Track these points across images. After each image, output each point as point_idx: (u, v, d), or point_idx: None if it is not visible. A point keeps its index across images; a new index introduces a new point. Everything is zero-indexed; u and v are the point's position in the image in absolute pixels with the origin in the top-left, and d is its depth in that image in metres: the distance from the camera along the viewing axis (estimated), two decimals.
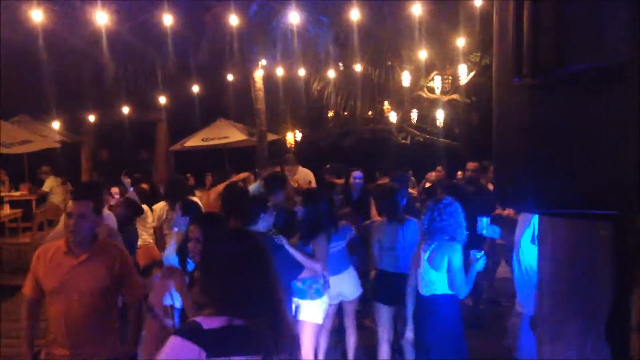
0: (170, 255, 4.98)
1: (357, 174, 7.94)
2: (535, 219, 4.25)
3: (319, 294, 5.07)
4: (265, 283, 2.32)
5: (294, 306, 5.08)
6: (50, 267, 3.76)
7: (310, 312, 5.07)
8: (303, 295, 5.06)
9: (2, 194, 13.39)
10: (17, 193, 14.30)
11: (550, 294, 2.25)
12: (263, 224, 4.77)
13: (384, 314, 5.57)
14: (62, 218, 4.27)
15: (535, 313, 2.41)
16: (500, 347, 5.08)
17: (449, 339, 4.46)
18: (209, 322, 2.19)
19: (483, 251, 4.55)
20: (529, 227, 4.41)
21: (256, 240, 2.46)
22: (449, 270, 4.42)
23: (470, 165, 7.82)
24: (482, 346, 5.69)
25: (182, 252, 5.00)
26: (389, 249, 5.54)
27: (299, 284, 5.03)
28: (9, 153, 13.34)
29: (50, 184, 13.36)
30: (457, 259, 4.41)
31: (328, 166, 9.39)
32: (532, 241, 4.35)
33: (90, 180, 6.27)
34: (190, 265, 4.33)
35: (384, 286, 5.55)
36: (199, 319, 2.21)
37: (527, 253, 4.44)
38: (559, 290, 2.23)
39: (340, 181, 8.13)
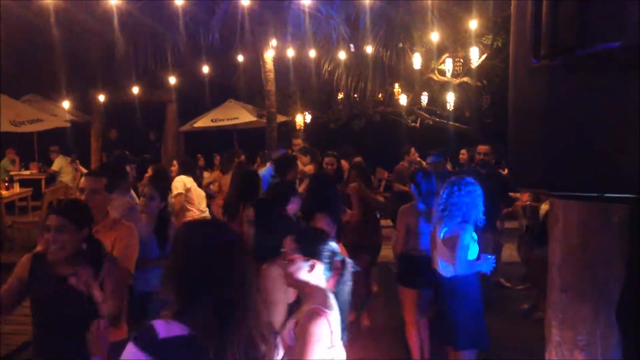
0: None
1: (328, 159, 8.04)
2: None
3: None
4: (232, 285, 2.09)
5: None
6: None
7: None
8: None
9: (12, 173, 13.47)
10: (27, 172, 14.39)
11: (560, 277, 2.24)
12: (292, 207, 4.77)
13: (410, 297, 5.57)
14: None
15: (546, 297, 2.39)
16: (510, 328, 5.09)
17: (469, 319, 4.47)
18: (166, 328, 2.01)
19: (494, 257, 4.54)
20: None
21: (232, 237, 2.24)
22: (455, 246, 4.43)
23: (482, 148, 7.76)
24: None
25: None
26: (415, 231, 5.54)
27: None
28: (19, 132, 13.39)
29: (59, 163, 13.42)
30: (465, 237, 4.42)
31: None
32: None
33: (111, 161, 6.03)
34: None
35: (409, 269, 5.56)
36: (156, 323, 2.02)
37: None
38: (569, 274, 2.22)
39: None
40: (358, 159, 9.56)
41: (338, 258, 2.92)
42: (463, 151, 10.97)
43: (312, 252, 2.85)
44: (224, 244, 2.16)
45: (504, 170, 8.49)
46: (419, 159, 10.47)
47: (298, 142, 9.90)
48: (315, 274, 2.84)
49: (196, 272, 2.08)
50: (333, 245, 2.95)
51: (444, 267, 4.58)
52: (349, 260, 2.98)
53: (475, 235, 4.51)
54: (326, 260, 2.87)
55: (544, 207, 6.04)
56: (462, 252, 4.41)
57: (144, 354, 1.96)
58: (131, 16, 9.71)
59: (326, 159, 8.50)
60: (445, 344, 4.77)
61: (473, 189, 4.49)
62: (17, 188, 12.52)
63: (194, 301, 2.04)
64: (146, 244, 4.95)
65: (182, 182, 7.27)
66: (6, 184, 12.10)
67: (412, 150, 10.19)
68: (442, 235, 4.59)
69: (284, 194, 4.83)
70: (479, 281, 4.57)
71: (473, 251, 4.48)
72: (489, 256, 4.51)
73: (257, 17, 10.06)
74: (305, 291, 2.85)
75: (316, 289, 2.85)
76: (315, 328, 2.69)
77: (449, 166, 10.10)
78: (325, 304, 2.79)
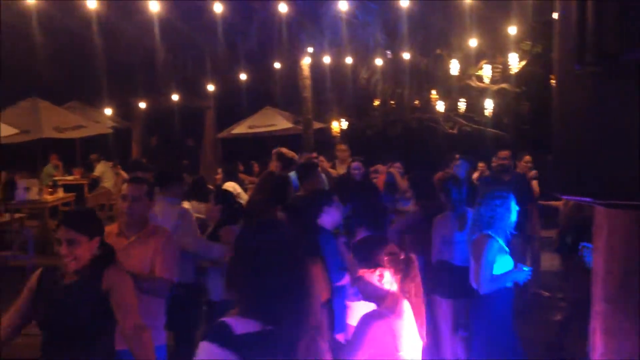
0: None
1: (355, 164, 7.80)
2: None
3: None
4: (297, 283, 2.12)
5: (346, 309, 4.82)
6: None
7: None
8: (353, 297, 4.81)
9: (56, 178, 13.79)
10: (70, 177, 14.73)
11: (604, 287, 2.21)
12: (327, 219, 4.57)
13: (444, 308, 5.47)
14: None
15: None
16: (540, 336, 4.98)
17: (498, 334, 4.38)
18: (241, 325, 2.02)
19: (531, 269, 4.42)
20: None
21: (290, 235, 2.26)
22: (479, 262, 4.36)
23: (502, 153, 7.66)
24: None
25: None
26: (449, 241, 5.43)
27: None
28: (63, 138, 13.72)
29: (101, 169, 13.72)
30: (490, 253, 4.31)
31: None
32: None
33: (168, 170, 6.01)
34: None
35: (444, 279, 5.44)
36: (229, 320, 2.03)
37: None
38: (613, 285, 2.18)
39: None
40: (397, 164, 9.44)
41: (401, 258, 2.91)
42: (481, 165, 10.61)
43: (374, 262, 2.85)
44: (286, 242, 2.18)
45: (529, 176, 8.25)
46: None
47: (342, 147, 9.74)
48: (386, 282, 2.86)
49: (261, 270, 2.09)
50: (391, 247, 2.95)
51: (472, 277, 4.51)
52: (412, 256, 2.96)
53: (506, 248, 4.41)
54: (390, 264, 2.87)
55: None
56: (486, 269, 4.31)
57: (224, 351, 1.95)
58: (171, 25, 9.88)
59: (353, 164, 8.43)
60: (480, 357, 4.71)
61: (501, 201, 4.41)
62: (60, 193, 12.81)
63: (260, 298, 2.05)
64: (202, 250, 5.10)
65: (232, 188, 7.34)
66: (50, 190, 12.39)
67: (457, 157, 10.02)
68: (470, 249, 4.52)
69: (316, 205, 4.61)
70: (511, 293, 4.45)
71: (503, 264, 4.37)
72: (525, 267, 4.38)
73: (295, 24, 10.14)
74: (381, 300, 2.87)
75: (388, 295, 2.86)
76: (369, 329, 2.70)
77: (477, 174, 9.90)
78: (393, 309, 2.80)
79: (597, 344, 2.27)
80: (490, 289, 4.32)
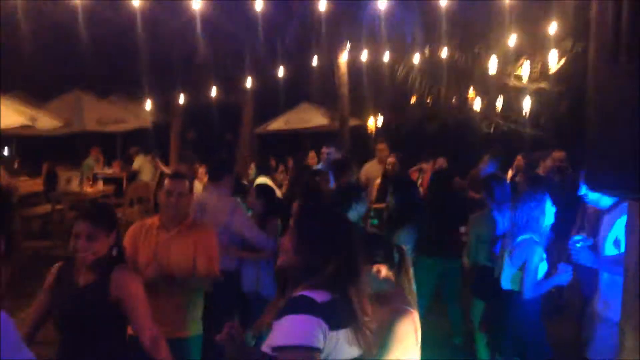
0: None
1: (329, 150, 7.99)
2: (619, 222, 4.08)
3: None
4: (356, 261, 2.38)
5: None
6: (145, 242, 4.00)
7: None
8: None
9: (96, 171, 14.12)
10: (110, 170, 15.05)
11: (635, 285, 2.22)
12: (353, 214, 4.70)
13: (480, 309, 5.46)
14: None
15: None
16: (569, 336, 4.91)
17: (529, 335, 4.35)
18: (317, 295, 2.21)
19: (572, 267, 4.32)
20: (612, 230, 4.20)
21: (348, 220, 2.62)
22: (523, 268, 4.33)
23: (557, 154, 7.59)
24: None
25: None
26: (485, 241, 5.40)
27: None
28: (105, 131, 14.04)
29: (139, 162, 13.98)
30: (534, 260, 4.28)
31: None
32: (615, 245, 4.14)
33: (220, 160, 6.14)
34: None
35: (481, 280, 5.43)
36: (305, 293, 2.22)
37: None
38: None
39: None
40: (440, 160, 9.41)
41: (396, 252, 2.98)
42: (519, 157, 10.49)
43: (372, 258, 2.90)
44: (343, 226, 2.46)
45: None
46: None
47: (382, 146, 9.74)
48: (385, 276, 2.91)
49: (324, 248, 2.33)
50: (389, 242, 3.03)
51: (506, 279, 4.49)
52: (404, 250, 3.05)
53: (544, 254, 4.36)
54: (388, 260, 2.94)
55: None
56: (531, 274, 4.29)
57: (315, 317, 2.14)
58: (212, 21, 10.03)
59: (389, 159, 8.44)
60: (508, 357, 4.70)
61: (536, 204, 4.36)
62: (100, 186, 13.11)
63: (326, 271, 2.28)
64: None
65: (264, 183, 7.45)
66: (91, 182, 12.69)
67: (485, 158, 9.95)
68: (509, 252, 4.49)
69: (346, 199, 4.76)
70: (538, 301, 4.41)
71: (542, 267, 4.34)
72: (567, 268, 4.28)
73: (333, 21, 10.19)
74: (383, 295, 2.89)
75: (392, 290, 2.92)
76: (401, 326, 2.76)
77: (511, 172, 9.77)
78: (407, 302, 2.88)
79: (627, 340, 2.29)
80: (535, 293, 4.30)
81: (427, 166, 9.10)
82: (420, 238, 5.24)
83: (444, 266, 5.91)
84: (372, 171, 9.10)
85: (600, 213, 4.43)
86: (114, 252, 3.27)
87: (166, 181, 4.11)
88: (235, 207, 5.25)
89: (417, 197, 5.34)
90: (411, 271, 3.05)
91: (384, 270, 2.90)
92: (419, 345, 2.86)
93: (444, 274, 5.94)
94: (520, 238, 4.40)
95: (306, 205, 3.96)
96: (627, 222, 2.21)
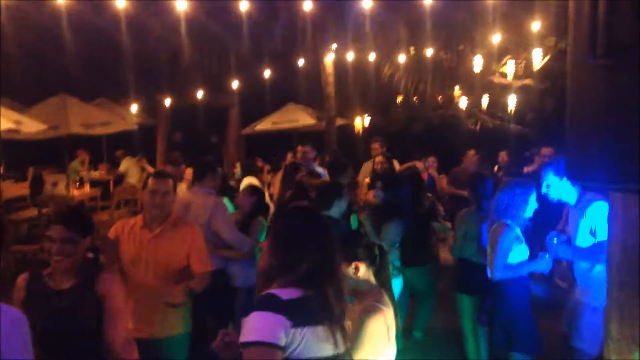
0: None
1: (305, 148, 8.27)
2: (589, 210, 4.18)
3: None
4: (332, 258, 2.41)
5: None
6: (128, 241, 4.00)
7: None
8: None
9: (82, 174, 14.04)
10: (96, 173, 14.97)
11: (619, 275, 2.26)
12: (336, 210, 4.83)
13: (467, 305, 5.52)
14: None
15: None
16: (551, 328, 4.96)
17: (514, 322, 4.38)
18: (285, 292, 2.25)
19: (548, 255, 4.32)
20: (584, 218, 4.26)
21: (324, 218, 2.61)
22: (494, 249, 4.36)
23: (545, 150, 7.68)
24: None
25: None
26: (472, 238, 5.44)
27: None
28: (90, 134, 13.96)
29: (126, 165, 13.93)
30: (505, 240, 4.31)
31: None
32: (591, 233, 4.21)
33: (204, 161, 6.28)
34: None
35: (467, 275, 5.46)
36: (273, 291, 2.26)
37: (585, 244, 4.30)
38: (628, 272, 2.23)
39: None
40: (431, 159, 9.50)
41: (375, 251, 3.03)
42: (503, 154, 10.60)
43: (351, 255, 2.95)
44: (318, 224, 2.48)
45: None
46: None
47: (376, 146, 9.79)
48: (362, 274, 2.96)
49: (298, 247, 2.37)
50: (368, 240, 3.08)
51: (489, 270, 4.54)
52: (385, 249, 3.11)
53: (522, 237, 4.40)
54: (366, 257, 2.98)
55: None
56: (500, 256, 4.33)
57: (278, 315, 2.17)
58: (197, 23, 10.02)
59: (377, 159, 8.53)
60: (499, 349, 4.76)
61: (522, 191, 4.41)
62: (87, 189, 13.05)
63: (299, 269, 2.31)
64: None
65: (250, 183, 7.50)
66: (77, 185, 12.62)
67: (470, 152, 10.02)
68: (487, 238, 4.56)
69: (327, 197, 4.90)
70: (527, 283, 4.45)
71: (519, 253, 4.36)
72: (547, 255, 4.32)
73: (318, 22, 10.22)
74: (358, 292, 2.96)
75: (369, 286, 2.97)
76: (373, 323, 2.80)
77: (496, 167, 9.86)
78: (380, 301, 2.91)
79: (612, 331, 2.33)
80: (504, 276, 4.32)
81: (420, 165, 9.16)
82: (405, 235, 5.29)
83: (413, 274, 5.87)
84: (367, 171, 9.18)
85: (568, 208, 4.53)
86: (90, 255, 3.26)
87: (150, 181, 4.08)
88: (215, 206, 5.31)
89: (406, 194, 5.39)
90: (389, 269, 3.11)
91: (362, 268, 2.95)
92: (392, 342, 2.90)
93: (413, 282, 5.91)
94: (496, 223, 4.45)
95: (285, 204, 4.01)
96: (609, 214, 2.25)
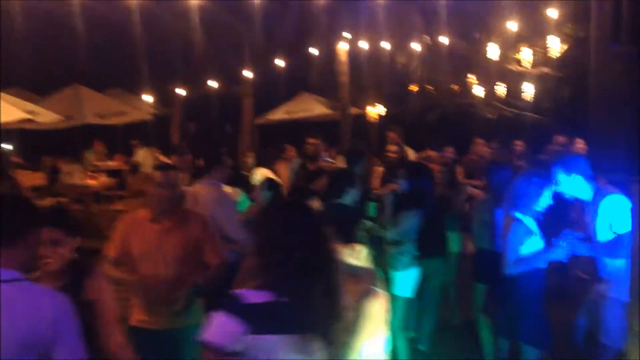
0: None
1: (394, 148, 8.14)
2: (604, 204, 4.09)
3: (405, 266, 4.94)
4: (320, 260, 2.23)
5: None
6: (137, 235, 3.94)
7: (398, 285, 4.93)
8: (390, 266, 4.91)
9: (98, 164, 14.10)
10: (112, 163, 15.02)
11: None
12: (349, 199, 4.76)
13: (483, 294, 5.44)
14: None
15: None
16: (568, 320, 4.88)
17: (522, 317, 4.29)
18: (254, 295, 2.13)
19: (566, 243, 4.12)
20: (600, 213, 4.18)
21: (313, 214, 2.40)
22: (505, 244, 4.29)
23: (559, 139, 7.59)
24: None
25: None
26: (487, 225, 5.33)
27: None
28: (105, 124, 14.01)
29: (142, 155, 13.97)
30: (513, 235, 4.21)
31: None
32: (609, 227, 4.13)
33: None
34: None
35: (483, 265, 5.36)
36: (243, 291, 2.14)
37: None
38: None
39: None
40: (450, 149, 9.34)
41: (374, 234, 3.01)
42: (520, 142, 10.42)
43: (349, 237, 2.99)
44: (305, 222, 2.29)
45: None
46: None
47: (393, 135, 9.67)
48: (362, 258, 2.97)
49: (279, 246, 2.20)
50: (367, 223, 3.05)
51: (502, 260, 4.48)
52: (384, 234, 3.08)
53: (535, 229, 4.28)
54: (365, 240, 2.96)
55: None
56: (511, 251, 4.24)
57: (236, 319, 2.05)
58: (210, 12, 9.98)
59: (391, 147, 8.45)
60: (503, 337, 4.70)
61: (538, 181, 4.29)
62: (103, 178, 13.10)
63: (277, 271, 2.16)
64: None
65: (261, 175, 7.46)
66: (93, 175, 12.68)
67: (478, 141, 9.87)
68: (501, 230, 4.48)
69: (339, 184, 4.85)
70: (541, 276, 4.35)
71: (531, 245, 4.24)
72: (563, 243, 4.13)
73: (332, 10, 10.14)
74: (355, 275, 2.93)
75: (366, 271, 2.97)
76: (370, 305, 2.82)
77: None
78: (377, 284, 2.94)
79: (635, 327, 2.28)
80: (516, 270, 4.25)
81: (435, 155, 9.01)
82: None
83: (428, 266, 5.77)
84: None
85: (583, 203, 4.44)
86: (76, 256, 3.15)
87: (157, 174, 3.99)
88: (218, 198, 5.30)
89: (429, 184, 5.32)
90: (387, 257, 3.11)
91: (363, 252, 2.97)
92: (386, 326, 2.93)
93: (428, 273, 5.81)
94: (506, 216, 4.38)
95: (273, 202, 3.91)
96: (632, 205, 2.20)
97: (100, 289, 3.13)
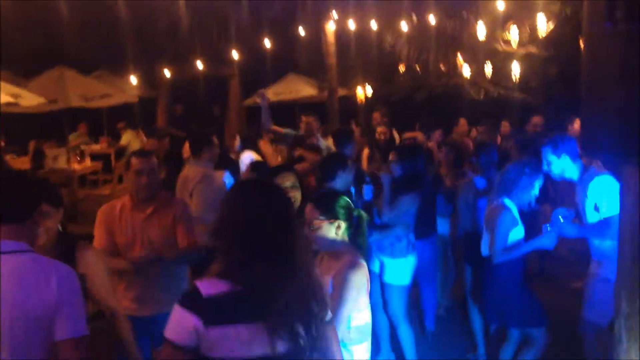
0: None
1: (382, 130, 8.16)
2: (592, 185, 4.13)
3: (402, 253, 4.90)
4: (285, 243, 2.12)
5: (378, 264, 4.99)
6: (121, 224, 3.91)
7: (396, 273, 4.91)
8: (387, 253, 4.92)
9: (83, 147, 13.97)
10: (97, 146, 14.91)
11: (630, 248, 2.20)
12: (341, 182, 4.73)
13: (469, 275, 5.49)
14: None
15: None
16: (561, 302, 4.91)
17: (509, 303, 4.33)
18: (210, 286, 2.04)
19: (556, 232, 4.21)
20: (587, 194, 4.20)
21: (280, 194, 2.27)
22: (493, 232, 4.30)
23: (536, 119, 7.58)
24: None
25: None
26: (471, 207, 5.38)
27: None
28: (90, 107, 13.86)
29: (127, 138, 13.88)
30: (501, 223, 4.25)
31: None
32: (596, 209, 4.16)
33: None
34: None
35: (468, 246, 5.41)
36: (200, 283, 2.05)
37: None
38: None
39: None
40: (438, 131, 9.23)
41: (354, 213, 3.14)
42: (504, 123, 10.22)
43: (333, 214, 3.06)
44: (274, 204, 2.17)
45: None
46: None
47: (376, 115, 9.68)
48: (341, 233, 3.09)
49: (242, 231, 2.10)
50: (348, 201, 3.14)
51: (484, 244, 4.49)
52: (364, 215, 3.19)
53: (518, 219, 4.31)
54: (346, 218, 3.09)
55: None
56: (500, 240, 4.25)
57: (189, 313, 2.00)
58: None
59: (378, 129, 8.42)
60: (494, 321, 4.74)
61: (531, 170, 4.31)
62: (88, 162, 13.00)
63: (239, 258, 2.06)
64: None
65: (248, 157, 7.43)
66: (78, 159, 12.56)
67: (461, 121, 9.85)
68: (485, 217, 4.50)
69: (330, 168, 4.81)
70: (519, 259, 4.37)
71: (515, 234, 4.29)
72: (549, 228, 4.21)
73: None
74: (336, 250, 3.09)
75: (346, 245, 3.10)
76: (355, 276, 2.96)
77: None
78: (359, 256, 3.09)
79: (622, 306, 2.28)
80: (504, 258, 4.27)
81: (421, 136, 8.95)
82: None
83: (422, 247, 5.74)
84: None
85: (571, 184, 4.47)
86: (60, 228, 3.16)
87: (133, 160, 3.92)
88: (203, 177, 5.39)
89: (422, 165, 5.28)
90: (366, 232, 3.20)
91: (342, 227, 3.07)
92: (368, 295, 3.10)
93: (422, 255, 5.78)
94: (494, 203, 4.39)
95: (241, 181, 3.83)
96: (621, 186, 2.19)
97: (90, 263, 3.12)
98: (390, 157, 5.40)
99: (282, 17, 11.05)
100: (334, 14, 11.26)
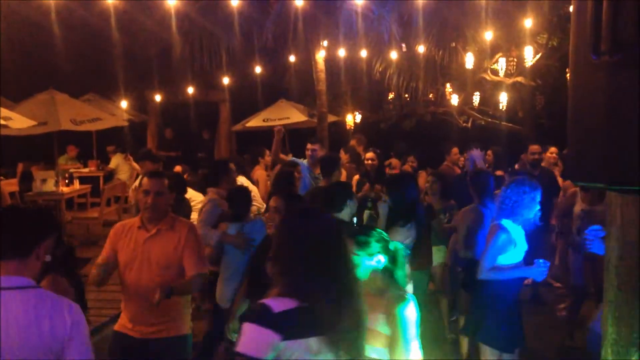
0: None
1: (371, 155, 8.21)
2: None
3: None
4: (338, 268, 2.33)
5: None
6: (125, 241, 3.95)
7: None
8: None
9: (72, 170, 13.91)
10: (86, 169, 14.84)
11: (617, 275, 2.23)
12: (347, 211, 4.71)
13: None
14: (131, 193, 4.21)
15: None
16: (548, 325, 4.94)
17: (486, 319, 4.37)
18: (278, 304, 2.20)
19: (549, 264, 4.30)
20: None
21: (333, 222, 2.48)
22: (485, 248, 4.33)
23: (534, 148, 7.71)
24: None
25: None
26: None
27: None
28: (79, 130, 13.83)
29: (116, 161, 13.84)
30: (495, 242, 4.28)
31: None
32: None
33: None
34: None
35: (471, 274, 5.40)
36: (267, 301, 2.22)
37: None
38: (626, 272, 2.21)
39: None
40: (411, 158, 9.47)
41: (390, 246, 3.09)
42: (489, 152, 10.21)
43: (371, 249, 3.02)
44: (329, 228, 2.39)
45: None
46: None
47: (353, 142, 9.89)
48: (382, 268, 3.05)
49: (299, 254, 2.30)
50: (383, 234, 3.09)
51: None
52: (400, 246, 3.14)
53: (520, 238, 4.35)
54: (385, 252, 3.04)
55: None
56: (489, 257, 4.28)
57: (265, 329, 2.14)
58: (188, 17, 9.94)
59: (367, 155, 8.47)
60: (468, 334, 4.75)
61: (530, 189, 4.36)
62: (76, 185, 12.93)
63: (300, 277, 2.27)
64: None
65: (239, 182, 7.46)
66: (67, 182, 12.50)
67: (454, 150, 9.95)
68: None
69: (338, 198, 4.74)
70: (515, 283, 4.37)
71: (511, 256, 4.32)
72: (542, 261, 4.26)
73: (310, 17, 10.15)
74: (380, 289, 3.04)
75: (386, 281, 3.06)
76: (408, 311, 2.94)
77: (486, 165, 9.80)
78: (404, 290, 3.09)
79: (609, 332, 2.30)
80: (488, 277, 4.29)
81: (396, 162, 9.11)
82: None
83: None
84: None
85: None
86: (48, 259, 3.14)
87: (144, 181, 4.04)
88: (205, 202, 5.51)
89: (415, 194, 5.27)
90: (407, 267, 3.15)
91: (382, 260, 3.03)
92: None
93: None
94: (493, 223, 4.42)
95: (290, 207, 3.93)
96: (607, 214, 2.23)
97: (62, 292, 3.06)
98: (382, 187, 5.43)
99: (273, 44, 11.13)
100: (325, 42, 11.38)
